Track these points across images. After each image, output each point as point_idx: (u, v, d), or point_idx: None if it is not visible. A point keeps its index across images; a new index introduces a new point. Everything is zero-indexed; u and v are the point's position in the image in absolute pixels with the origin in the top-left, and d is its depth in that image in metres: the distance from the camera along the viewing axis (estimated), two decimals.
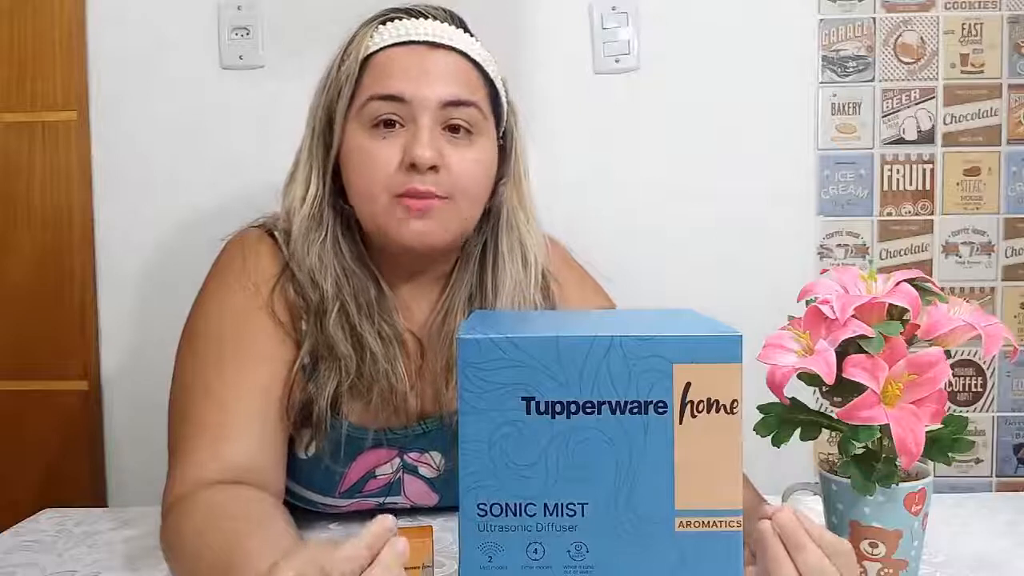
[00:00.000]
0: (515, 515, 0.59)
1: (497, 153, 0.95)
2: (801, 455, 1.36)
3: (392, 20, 0.92)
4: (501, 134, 0.97)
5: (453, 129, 0.89)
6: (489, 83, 0.94)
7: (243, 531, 0.72)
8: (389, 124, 0.88)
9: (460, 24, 0.94)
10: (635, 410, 0.58)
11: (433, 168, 0.87)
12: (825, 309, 0.70)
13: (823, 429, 0.73)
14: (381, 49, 0.90)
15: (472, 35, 0.94)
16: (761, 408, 0.74)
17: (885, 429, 0.69)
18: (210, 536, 0.72)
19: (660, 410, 0.58)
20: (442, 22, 0.92)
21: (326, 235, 0.91)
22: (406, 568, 0.69)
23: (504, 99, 0.96)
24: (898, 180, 1.41)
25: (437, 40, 0.90)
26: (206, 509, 0.76)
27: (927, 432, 0.68)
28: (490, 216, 0.97)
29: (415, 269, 0.95)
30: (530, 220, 0.98)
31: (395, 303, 0.94)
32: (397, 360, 0.91)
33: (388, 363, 0.90)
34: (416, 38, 0.90)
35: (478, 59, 0.92)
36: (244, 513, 0.76)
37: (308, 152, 0.93)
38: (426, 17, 0.92)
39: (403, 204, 0.87)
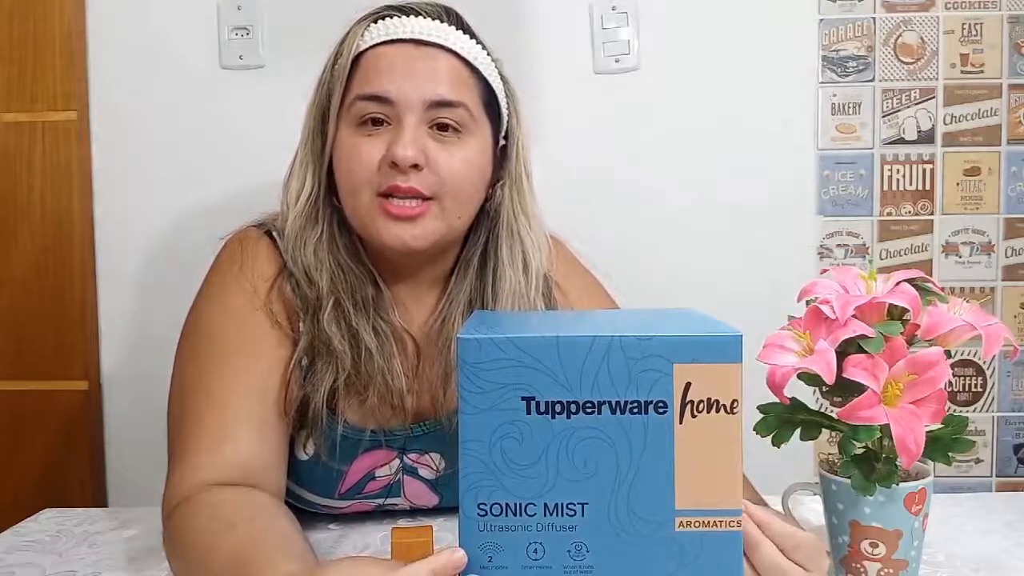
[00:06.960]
0: (515, 515, 0.59)
1: (491, 154, 0.94)
2: (801, 455, 1.35)
3: (384, 18, 0.91)
4: (503, 135, 0.96)
5: (441, 127, 0.88)
6: (484, 83, 0.92)
7: (252, 534, 0.72)
8: (376, 122, 0.88)
9: (455, 22, 0.92)
10: (635, 410, 0.58)
11: (415, 167, 0.86)
12: (825, 309, 0.70)
13: (823, 429, 0.73)
14: (370, 47, 0.89)
15: (470, 33, 0.93)
16: (761, 408, 0.74)
17: (885, 429, 0.69)
18: (217, 540, 0.72)
19: (660, 410, 0.58)
20: (435, 20, 0.90)
21: (321, 232, 0.91)
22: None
23: (503, 100, 0.95)
24: (898, 180, 1.41)
25: (426, 38, 0.89)
26: (210, 511, 0.76)
27: (927, 432, 0.68)
28: (488, 219, 0.96)
29: (410, 269, 0.95)
30: (532, 224, 0.96)
31: (392, 301, 0.93)
32: (393, 357, 0.91)
33: (384, 360, 0.89)
34: (405, 36, 0.89)
35: (470, 58, 0.90)
36: (249, 515, 0.76)
37: (304, 149, 0.93)
38: (419, 15, 0.91)
39: (384, 207, 0.87)
